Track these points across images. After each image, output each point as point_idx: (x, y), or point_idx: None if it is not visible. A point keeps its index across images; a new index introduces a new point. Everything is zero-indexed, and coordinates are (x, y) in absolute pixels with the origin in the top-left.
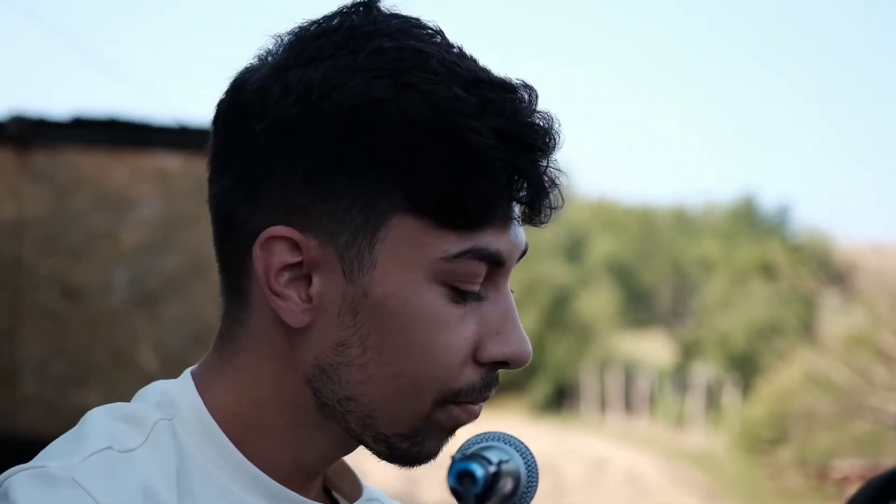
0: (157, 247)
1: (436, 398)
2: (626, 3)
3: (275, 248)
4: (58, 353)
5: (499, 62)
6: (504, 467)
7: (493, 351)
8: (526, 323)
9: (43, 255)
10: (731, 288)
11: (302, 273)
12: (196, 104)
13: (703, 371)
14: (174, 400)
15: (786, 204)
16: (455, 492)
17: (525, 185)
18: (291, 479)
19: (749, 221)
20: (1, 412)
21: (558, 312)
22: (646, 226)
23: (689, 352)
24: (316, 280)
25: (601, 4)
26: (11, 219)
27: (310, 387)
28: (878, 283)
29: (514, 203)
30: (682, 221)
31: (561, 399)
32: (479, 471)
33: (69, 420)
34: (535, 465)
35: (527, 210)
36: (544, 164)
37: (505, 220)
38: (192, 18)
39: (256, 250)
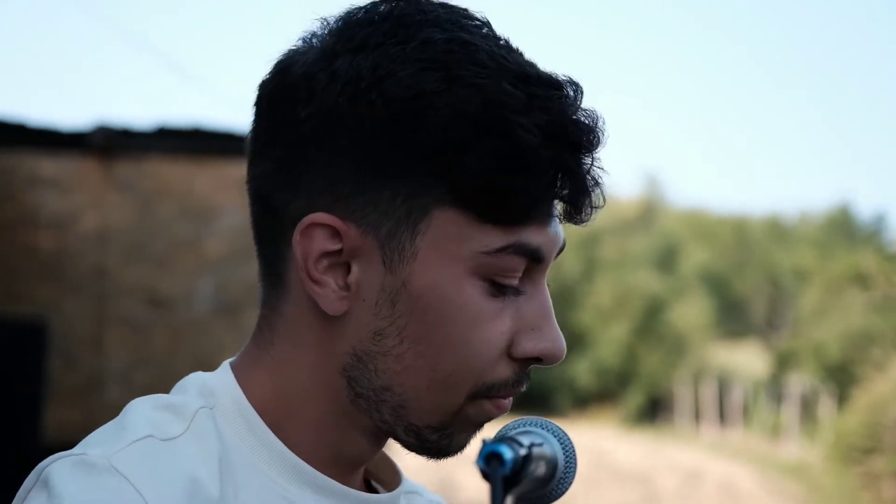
0: (241, 255)
1: (469, 392)
2: (717, 10)
3: (315, 235)
4: (142, 361)
5: (589, 67)
6: (536, 451)
7: (529, 347)
8: (618, 333)
9: (127, 265)
10: (826, 297)
11: (341, 261)
12: None
13: (798, 381)
14: (213, 390)
15: (882, 212)
16: (483, 473)
17: (568, 183)
18: (330, 466)
19: (844, 230)
20: (87, 420)
21: (651, 323)
22: (739, 235)
23: (783, 362)
24: (355, 268)
25: (695, 11)
26: (96, 228)
27: (345, 377)
28: None
29: (557, 200)
30: (777, 231)
31: (654, 410)
32: (507, 453)
33: None
34: (574, 452)
35: (569, 208)
36: (588, 162)
37: (546, 217)
38: (275, 31)
39: (297, 236)
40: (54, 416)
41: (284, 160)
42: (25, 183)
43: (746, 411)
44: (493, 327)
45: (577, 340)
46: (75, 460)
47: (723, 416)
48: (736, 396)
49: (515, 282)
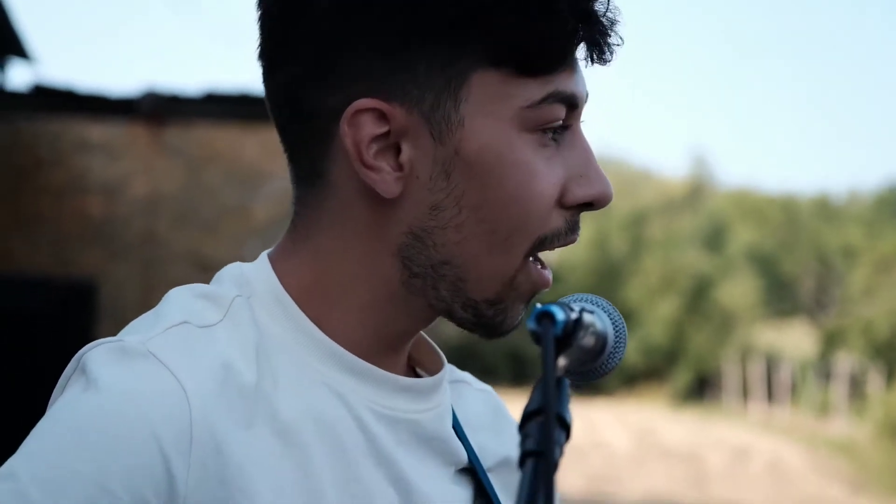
0: (287, 221)
1: (527, 250)
2: None
3: (362, 122)
4: None
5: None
6: (586, 317)
7: (580, 193)
8: (665, 311)
9: (175, 230)
10: (874, 276)
11: (390, 143)
12: None
13: (847, 360)
14: (250, 280)
15: None
16: (535, 334)
17: (590, 26)
18: (370, 353)
19: (894, 209)
20: None
21: (699, 301)
22: (788, 214)
23: (831, 341)
24: (405, 147)
25: None
26: (144, 194)
27: (399, 258)
28: None
29: (583, 44)
30: (826, 209)
31: (702, 388)
32: (559, 313)
33: None
34: (625, 330)
35: (593, 50)
36: (605, 4)
37: (574, 63)
38: None
39: (344, 127)
40: None
41: (312, 59)
42: (74, 148)
43: (794, 390)
44: (545, 178)
45: (624, 319)
46: (112, 346)
47: (770, 395)
48: (784, 375)
49: (559, 132)
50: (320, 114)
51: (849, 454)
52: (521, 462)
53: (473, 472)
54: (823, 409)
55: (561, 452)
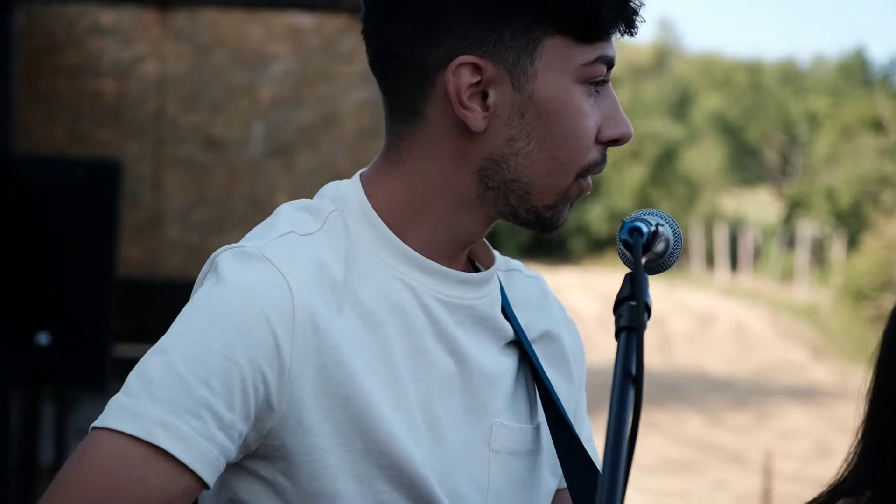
0: (291, 101)
1: (577, 172)
2: None
3: (461, 72)
4: (200, 201)
5: None
6: (660, 229)
7: (611, 132)
8: (631, 179)
9: (184, 110)
10: (838, 143)
11: (480, 89)
12: None
13: (810, 227)
14: (344, 196)
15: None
16: (626, 243)
17: (628, 7)
18: (438, 254)
19: (858, 75)
20: (149, 256)
21: (664, 169)
22: (753, 80)
23: (795, 207)
24: (491, 93)
25: None
26: (154, 76)
27: (478, 176)
28: None
29: (619, 20)
30: (791, 76)
31: None
32: (644, 227)
33: None
34: (681, 237)
35: (629, 25)
36: None
37: (612, 34)
38: None
39: (448, 75)
40: (119, 252)
41: (419, 21)
42: (88, 32)
43: (758, 256)
44: (590, 120)
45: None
46: (236, 251)
47: (735, 261)
48: (748, 241)
49: (600, 85)
50: (425, 65)
51: (811, 319)
52: (617, 335)
53: (519, 344)
54: (786, 275)
55: (644, 327)
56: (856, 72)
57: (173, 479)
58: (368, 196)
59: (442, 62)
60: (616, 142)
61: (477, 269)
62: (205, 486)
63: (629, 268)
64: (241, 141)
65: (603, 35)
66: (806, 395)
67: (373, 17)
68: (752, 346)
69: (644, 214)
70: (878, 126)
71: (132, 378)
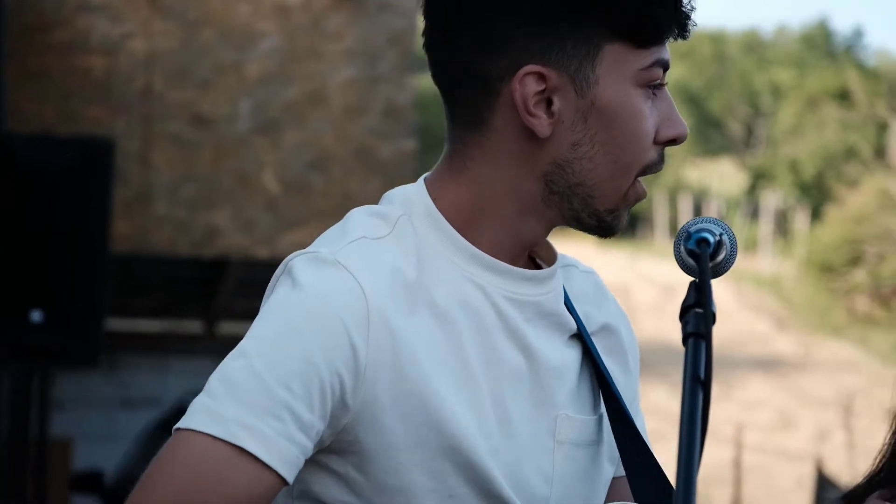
0: (278, 78)
1: (637, 173)
2: None
3: (527, 82)
4: (187, 177)
5: None
6: (723, 238)
7: (669, 133)
8: None
9: (172, 87)
10: (802, 114)
11: (545, 97)
12: None
13: (773, 198)
14: (411, 200)
15: (859, 28)
16: (693, 253)
17: (680, 12)
18: (504, 254)
19: (822, 47)
20: (137, 231)
21: None
22: (716, 50)
23: (759, 179)
24: (556, 100)
25: None
26: (143, 53)
27: (543, 181)
28: None
29: (673, 25)
30: (754, 47)
31: (633, 226)
32: (711, 238)
33: (198, 238)
34: (736, 244)
35: (681, 30)
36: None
37: (668, 39)
38: None
39: (515, 84)
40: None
41: (483, 34)
42: (77, 9)
43: None
44: (649, 122)
45: None
46: (310, 256)
47: None
48: (712, 212)
49: (656, 87)
50: (490, 76)
51: (774, 291)
52: (685, 340)
53: (581, 337)
54: (750, 247)
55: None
56: (819, 43)
57: (256, 479)
58: (434, 200)
59: (507, 72)
60: (673, 142)
61: (538, 266)
62: (285, 483)
63: (689, 274)
64: (228, 117)
65: (658, 40)
66: (770, 365)
67: (436, 31)
68: (715, 317)
69: (705, 223)
70: (842, 97)
71: (214, 381)
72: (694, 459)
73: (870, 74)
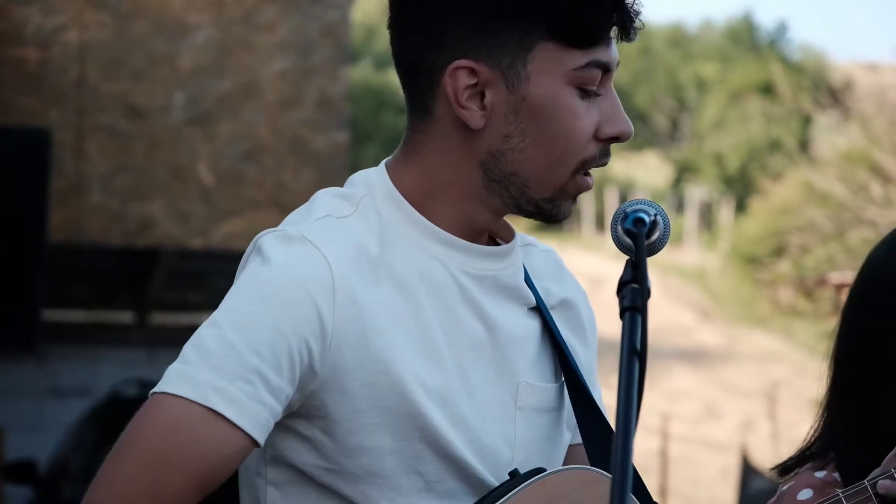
0: (212, 70)
1: (574, 167)
2: None
3: (459, 75)
4: (121, 167)
5: None
6: (657, 218)
7: (611, 130)
8: None
9: (106, 79)
10: (727, 108)
11: (477, 90)
12: None
13: (698, 191)
14: (372, 182)
15: (783, 21)
16: (630, 232)
17: (622, 13)
18: (460, 233)
19: (746, 41)
20: (71, 221)
21: None
22: (642, 45)
23: (684, 172)
24: (488, 94)
25: None
26: (76, 44)
27: (481, 169)
28: (873, 101)
29: (614, 26)
30: (679, 41)
31: None
32: (646, 217)
33: (132, 229)
34: (669, 221)
35: (623, 31)
36: None
37: (609, 40)
38: None
39: (446, 78)
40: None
41: (427, 30)
42: (10, 0)
43: None
44: (584, 119)
45: None
46: (278, 234)
47: None
48: None
49: (595, 88)
50: (432, 69)
51: (699, 282)
52: (622, 314)
53: (540, 311)
54: (675, 239)
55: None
56: (744, 37)
57: (227, 439)
58: (394, 183)
59: (446, 65)
60: (616, 139)
61: (497, 245)
62: (256, 444)
63: (625, 253)
64: (162, 109)
65: (593, 41)
66: (695, 357)
67: (393, 28)
68: None
69: (641, 204)
70: (766, 91)
71: (188, 348)
72: (631, 423)
73: (794, 68)
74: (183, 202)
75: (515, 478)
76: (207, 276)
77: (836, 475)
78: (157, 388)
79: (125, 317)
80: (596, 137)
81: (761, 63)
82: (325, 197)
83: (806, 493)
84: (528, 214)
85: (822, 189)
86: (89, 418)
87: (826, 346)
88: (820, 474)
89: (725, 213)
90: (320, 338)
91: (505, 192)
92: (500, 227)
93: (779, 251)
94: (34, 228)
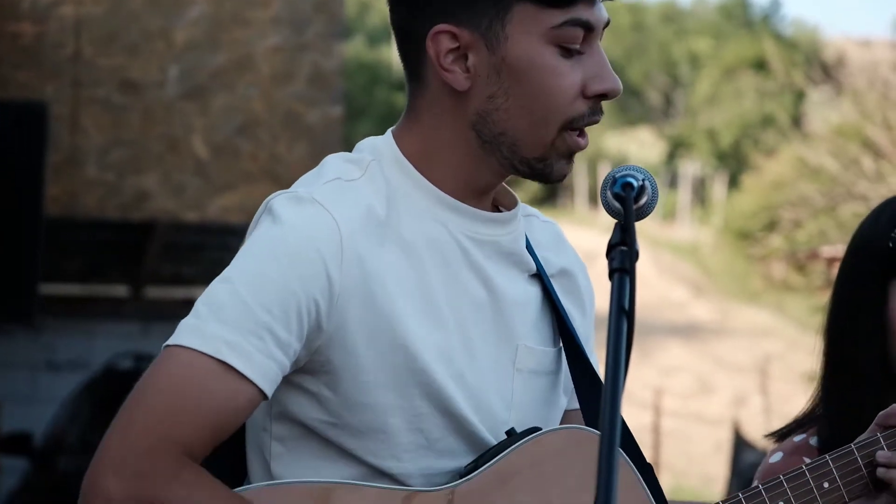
0: (206, 44)
1: (559, 125)
2: None
3: (440, 40)
4: (117, 141)
5: None
6: (645, 183)
7: (597, 87)
8: None
9: (101, 53)
10: (720, 84)
11: (460, 54)
12: None
13: (691, 166)
14: (379, 148)
15: None
16: (619, 196)
17: None
18: (464, 197)
19: (739, 16)
20: (67, 194)
21: None
22: (635, 21)
23: (677, 147)
24: (470, 56)
25: None
26: (72, 19)
27: (473, 130)
28: (866, 77)
29: None
30: (672, 17)
31: (553, 194)
32: (635, 182)
33: (128, 201)
34: (658, 190)
35: None
36: None
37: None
38: None
39: (428, 43)
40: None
41: (414, 1)
42: None
43: None
44: (566, 77)
45: None
46: (289, 196)
47: None
48: None
49: (577, 46)
50: (418, 36)
51: (692, 257)
52: (611, 275)
53: (540, 278)
54: (668, 215)
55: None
56: (737, 13)
57: (237, 391)
58: (399, 148)
59: (427, 32)
60: (604, 96)
61: (500, 212)
62: (264, 397)
63: (614, 217)
64: (157, 83)
65: (570, 0)
66: (687, 332)
67: (388, 1)
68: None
69: (629, 170)
70: (759, 67)
71: (200, 304)
72: (619, 380)
73: (787, 44)
74: (178, 176)
75: (512, 437)
76: (202, 250)
77: (813, 441)
78: (170, 341)
79: (120, 290)
80: (584, 95)
81: (754, 39)
82: (334, 161)
83: (776, 456)
84: (523, 174)
85: (814, 164)
86: (85, 391)
87: (818, 321)
88: (798, 439)
89: (718, 188)
90: (328, 296)
91: (498, 152)
92: (503, 195)
93: (771, 226)
94: (30, 202)
